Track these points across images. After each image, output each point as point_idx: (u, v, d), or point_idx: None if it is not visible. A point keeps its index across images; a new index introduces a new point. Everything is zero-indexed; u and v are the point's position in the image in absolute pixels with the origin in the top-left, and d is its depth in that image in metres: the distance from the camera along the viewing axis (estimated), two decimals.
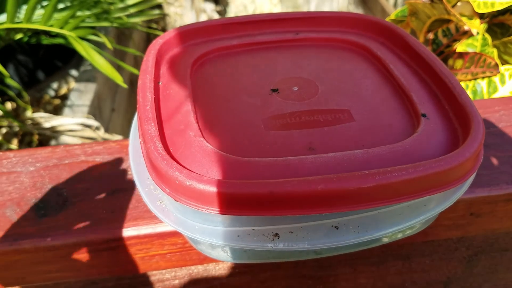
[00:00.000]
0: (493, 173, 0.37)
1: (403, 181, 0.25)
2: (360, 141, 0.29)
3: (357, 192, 0.25)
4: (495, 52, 0.66)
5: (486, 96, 0.65)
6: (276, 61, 0.38)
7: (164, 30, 1.96)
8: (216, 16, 2.09)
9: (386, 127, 0.31)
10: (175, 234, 0.35)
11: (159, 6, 1.84)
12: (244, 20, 0.41)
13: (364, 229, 0.27)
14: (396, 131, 0.30)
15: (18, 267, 0.36)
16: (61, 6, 0.90)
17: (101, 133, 0.95)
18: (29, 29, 0.83)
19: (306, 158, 0.27)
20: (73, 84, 1.29)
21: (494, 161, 0.38)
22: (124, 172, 0.39)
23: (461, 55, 0.67)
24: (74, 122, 0.92)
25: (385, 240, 0.32)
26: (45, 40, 0.97)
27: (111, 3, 1.00)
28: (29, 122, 0.94)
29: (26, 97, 1.04)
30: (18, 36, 0.83)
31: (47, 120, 0.93)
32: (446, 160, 0.26)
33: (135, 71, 0.82)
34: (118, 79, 0.76)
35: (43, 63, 1.35)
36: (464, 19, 0.67)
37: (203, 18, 2.05)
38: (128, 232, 0.35)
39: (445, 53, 0.73)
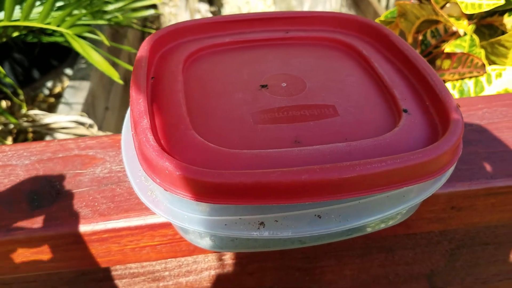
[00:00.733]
0: (473, 168, 0.38)
1: (383, 172, 0.26)
2: (344, 135, 0.30)
3: (339, 182, 0.26)
4: (482, 52, 0.68)
5: (473, 96, 0.67)
6: (266, 58, 0.39)
7: (158, 29, 1.97)
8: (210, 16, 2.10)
9: (369, 121, 0.32)
10: (165, 225, 0.36)
11: (154, 6, 1.85)
12: (237, 19, 0.43)
13: (346, 218, 0.28)
14: (379, 125, 0.31)
15: (11, 257, 0.37)
16: (58, 4, 0.91)
17: (95, 131, 0.96)
18: (25, 27, 0.83)
19: (292, 150, 0.29)
20: (67, 82, 1.30)
21: (475, 157, 0.40)
22: (116, 165, 0.40)
23: (449, 55, 0.69)
24: (68, 120, 0.93)
25: (369, 230, 0.33)
26: (41, 39, 0.98)
27: (106, 2, 1.01)
28: (24, 119, 0.95)
29: (22, 95, 1.05)
30: (15, 34, 0.84)
31: (41, 118, 0.94)
32: (424, 153, 0.27)
33: (129, 67, 0.83)
34: (115, 75, 0.77)
35: (38, 61, 1.36)
36: (452, 20, 0.68)
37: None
38: (119, 223, 0.36)
39: (433, 53, 0.74)
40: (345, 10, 2.02)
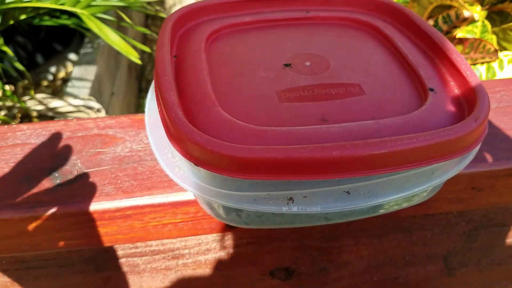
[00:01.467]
0: (494, 149, 0.39)
1: (413, 149, 0.26)
2: (371, 113, 0.30)
3: (369, 158, 0.26)
4: (494, 38, 0.68)
5: None
6: (287, 38, 0.39)
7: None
8: None
9: (395, 100, 0.32)
10: (188, 203, 0.37)
11: None
12: None
13: (374, 194, 0.28)
14: (405, 104, 0.31)
15: (33, 234, 0.37)
16: None
17: (102, 115, 0.96)
18: (33, 9, 0.83)
19: (320, 127, 0.29)
20: (71, 68, 1.29)
21: (495, 138, 0.40)
22: (137, 145, 0.41)
23: (461, 40, 0.68)
24: (76, 104, 0.93)
25: (396, 207, 0.33)
26: (49, 21, 0.97)
27: None
28: (31, 103, 0.95)
29: (30, 78, 1.04)
30: (22, 16, 0.83)
31: (49, 102, 0.93)
32: (454, 130, 0.27)
33: (145, 48, 0.82)
34: (133, 54, 0.76)
35: (42, 46, 1.35)
36: (466, 4, 0.68)
37: None
38: (142, 200, 0.36)
39: None
40: None
